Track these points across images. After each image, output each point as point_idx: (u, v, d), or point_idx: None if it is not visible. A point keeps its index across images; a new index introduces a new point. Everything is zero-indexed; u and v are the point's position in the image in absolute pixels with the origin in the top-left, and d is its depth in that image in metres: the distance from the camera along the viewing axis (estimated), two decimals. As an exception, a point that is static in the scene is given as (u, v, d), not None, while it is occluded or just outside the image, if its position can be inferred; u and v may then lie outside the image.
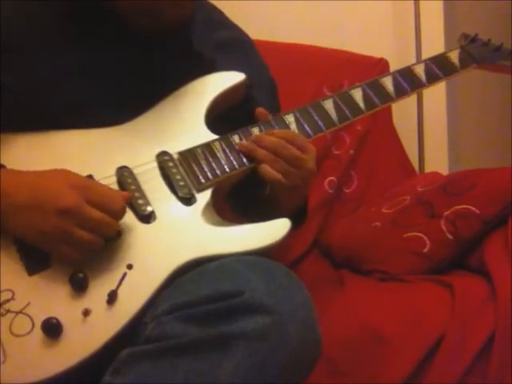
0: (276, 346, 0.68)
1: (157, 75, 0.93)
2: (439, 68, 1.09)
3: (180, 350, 0.67)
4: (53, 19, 0.90)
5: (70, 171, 0.80)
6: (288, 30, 1.85)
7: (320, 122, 0.96)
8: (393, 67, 1.77)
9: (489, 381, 0.92)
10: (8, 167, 0.83)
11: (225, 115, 0.97)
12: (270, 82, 1.12)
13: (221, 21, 1.09)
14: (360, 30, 1.92)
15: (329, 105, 0.98)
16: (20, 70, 0.86)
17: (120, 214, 0.79)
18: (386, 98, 1.03)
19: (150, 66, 0.93)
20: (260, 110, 0.94)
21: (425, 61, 1.10)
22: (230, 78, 0.97)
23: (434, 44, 1.90)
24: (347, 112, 0.99)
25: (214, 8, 1.09)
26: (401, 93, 1.04)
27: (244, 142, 0.90)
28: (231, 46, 1.04)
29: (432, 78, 1.08)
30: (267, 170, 0.87)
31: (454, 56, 1.12)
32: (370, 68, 1.73)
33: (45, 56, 0.88)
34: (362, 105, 1.00)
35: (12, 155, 0.84)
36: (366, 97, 1.01)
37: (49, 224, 0.75)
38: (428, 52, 1.86)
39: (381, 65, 1.77)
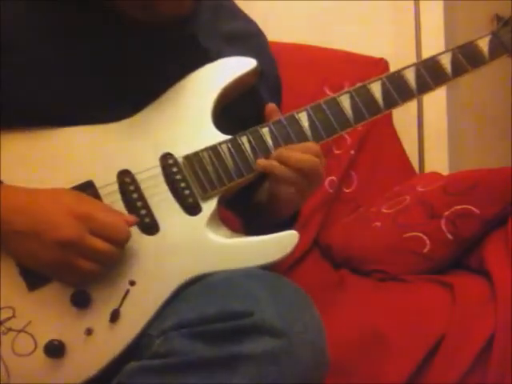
0: (285, 368, 0.67)
1: (159, 71, 0.90)
2: (467, 58, 0.97)
3: (187, 368, 0.67)
4: (53, 18, 0.90)
5: (72, 195, 0.78)
6: (288, 30, 1.85)
7: (334, 122, 0.91)
8: (393, 67, 1.77)
9: (489, 381, 0.91)
10: (8, 167, 0.81)
11: (228, 106, 0.92)
12: (277, 79, 1.08)
13: (232, 11, 1.04)
14: (360, 30, 1.92)
15: (345, 102, 0.91)
16: (19, 68, 0.86)
17: (123, 243, 0.76)
18: (407, 94, 0.93)
19: (152, 63, 0.91)
20: (271, 107, 0.90)
21: (453, 50, 0.97)
22: (239, 65, 0.89)
23: (434, 44, 1.90)
24: (364, 110, 0.91)
25: None
26: (424, 88, 0.94)
27: (263, 160, 0.85)
28: (241, 38, 0.99)
29: (458, 71, 0.96)
30: (284, 189, 0.86)
31: (484, 44, 0.99)
32: (370, 68, 1.73)
33: (44, 55, 0.87)
34: (380, 102, 0.92)
35: (12, 154, 0.82)
36: (385, 92, 0.92)
37: (48, 255, 0.73)
38: (428, 52, 1.86)
39: (381, 65, 1.77)
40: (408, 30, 1.95)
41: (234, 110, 0.92)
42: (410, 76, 0.94)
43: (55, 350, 0.73)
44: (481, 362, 0.93)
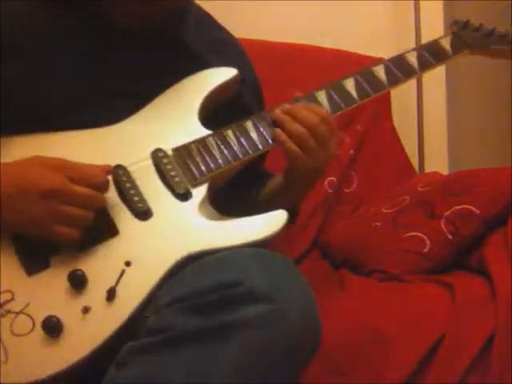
0: (276, 333, 0.69)
1: (148, 74, 0.94)
2: (431, 55, 1.09)
3: (182, 341, 0.68)
4: (52, 19, 0.90)
5: (45, 156, 0.81)
6: (288, 30, 1.85)
7: (341, 102, 0.99)
8: (393, 67, 1.77)
9: (489, 381, 0.91)
10: None
11: (215, 111, 0.97)
12: (256, 82, 1.13)
13: (213, 24, 1.10)
14: (360, 30, 1.92)
15: (321, 96, 0.99)
16: (17, 70, 0.86)
17: (104, 186, 0.81)
18: (379, 85, 1.04)
19: (142, 65, 0.94)
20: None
21: (417, 48, 1.10)
22: (222, 74, 0.98)
23: (434, 44, 1.89)
24: (340, 102, 1.00)
25: (201, 9, 1.10)
26: (394, 81, 1.05)
27: (278, 111, 0.92)
28: (220, 47, 1.06)
29: (424, 65, 1.08)
30: (292, 147, 0.89)
31: (446, 42, 1.13)
32: (370, 68, 1.73)
33: (43, 57, 0.88)
34: (354, 95, 1.01)
35: (9, 158, 0.83)
36: (358, 86, 1.02)
37: (38, 208, 0.76)
38: (428, 52, 1.87)
39: (381, 65, 1.77)
40: (408, 30, 1.95)
41: (221, 114, 0.96)
42: (381, 71, 1.05)
43: (52, 326, 0.75)
44: (481, 362, 0.93)
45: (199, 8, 1.09)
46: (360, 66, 1.74)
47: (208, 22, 1.09)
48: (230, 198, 0.97)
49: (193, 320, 0.69)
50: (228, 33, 1.12)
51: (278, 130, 0.92)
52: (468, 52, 1.14)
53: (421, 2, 1.92)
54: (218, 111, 0.97)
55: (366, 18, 1.94)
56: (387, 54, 1.82)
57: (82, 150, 0.87)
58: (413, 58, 1.07)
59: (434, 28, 1.93)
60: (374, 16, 1.95)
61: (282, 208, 0.96)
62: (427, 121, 1.96)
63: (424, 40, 1.90)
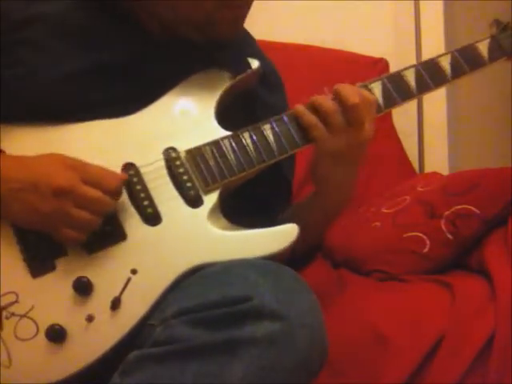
0: (284, 350, 0.68)
1: (165, 83, 0.91)
2: (466, 60, 0.99)
3: (188, 354, 0.68)
4: (83, 19, 0.90)
5: (63, 154, 0.80)
6: (288, 30, 1.85)
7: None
8: (393, 67, 1.77)
9: (489, 381, 0.91)
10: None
11: (230, 102, 0.94)
12: (277, 77, 1.11)
13: (247, 38, 1.07)
14: (360, 30, 1.92)
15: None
16: (32, 65, 0.86)
17: (116, 192, 0.79)
18: (407, 93, 0.96)
19: (161, 74, 0.92)
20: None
21: (452, 52, 0.99)
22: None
23: (434, 44, 1.90)
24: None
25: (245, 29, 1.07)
26: (423, 88, 0.97)
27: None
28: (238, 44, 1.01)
29: (457, 73, 0.98)
30: (311, 119, 0.87)
31: (483, 47, 1.01)
32: (370, 68, 1.74)
33: (61, 51, 0.87)
34: (380, 102, 0.96)
35: (17, 150, 0.83)
36: (385, 92, 0.95)
37: (46, 206, 0.75)
38: (428, 52, 1.87)
39: (381, 65, 1.77)
40: (408, 30, 1.95)
41: (235, 106, 0.94)
42: (410, 77, 0.96)
43: (56, 334, 0.74)
44: (481, 362, 0.93)
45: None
46: (360, 66, 1.76)
47: (246, 38, 1.06)
48: (243, 209, 0.94)
49: (200, 333, 0.68)
50: (265, 55, 1.08)
51: (298, 105, 0.89)
52: (505, 59, 1.03)
53: (421, 2, 1.92)
54: (234, 102, 0.94)
55: (366, 19, 1.94)
56: (387, 54, 1.84)
57: (93, 144, 0.85)
58: (446, 64, 0.98)
59: (434, 28, 1.93)
60: (374, 16, 1.95)
61: (316, 225, 0.95)
62: (427, 121, 1.96)
63: (424, 40, 1.92)
